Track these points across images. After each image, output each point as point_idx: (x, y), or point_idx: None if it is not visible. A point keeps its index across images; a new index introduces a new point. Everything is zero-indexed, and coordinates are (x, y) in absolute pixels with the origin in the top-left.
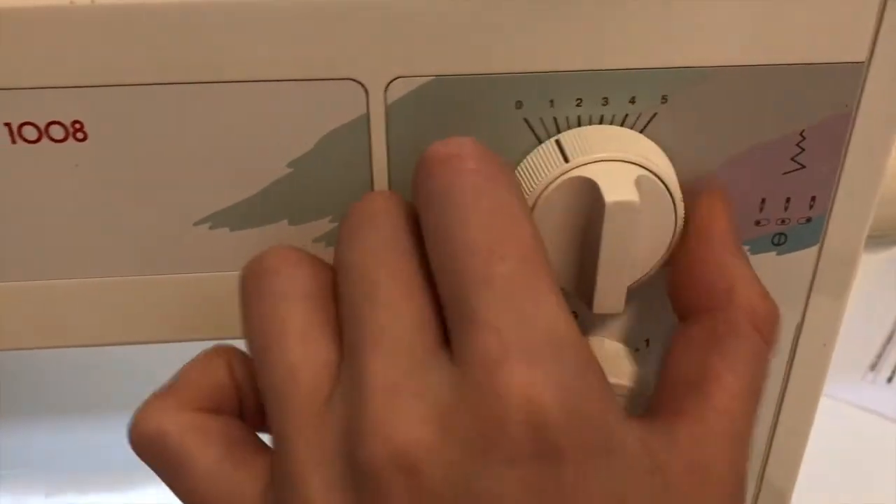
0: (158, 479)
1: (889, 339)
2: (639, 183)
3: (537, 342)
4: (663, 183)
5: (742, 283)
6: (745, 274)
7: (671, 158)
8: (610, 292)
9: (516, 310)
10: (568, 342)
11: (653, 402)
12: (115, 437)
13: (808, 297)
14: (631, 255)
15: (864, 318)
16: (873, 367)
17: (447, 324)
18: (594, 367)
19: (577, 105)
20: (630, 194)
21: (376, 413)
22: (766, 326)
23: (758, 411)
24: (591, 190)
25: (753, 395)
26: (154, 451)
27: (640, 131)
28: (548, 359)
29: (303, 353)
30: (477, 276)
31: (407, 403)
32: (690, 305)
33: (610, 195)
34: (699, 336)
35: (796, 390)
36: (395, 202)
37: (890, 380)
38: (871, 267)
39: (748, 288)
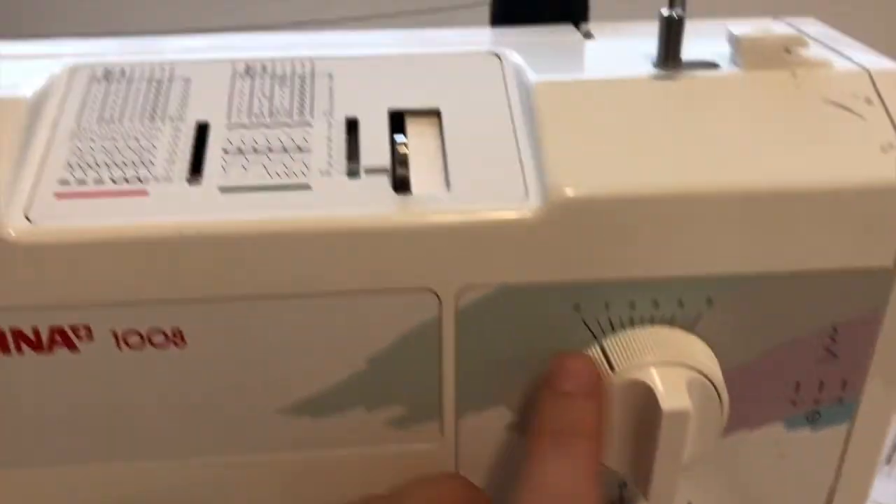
0: None
1: None
2: (690, 386)
3: None
4: (711, 382)
5: None
6: None
7: (715, 351)
8: (664, 487)
9: None
10: None
11: None
12: None
13: (840, 468)
14: (684, 454)
15: None
16: (889, 459)
17: None
18: None
19: (631, 308)
20: (683, 401)
21: None
22: None
23: None
24: (647, 393)
25: None
26: None
27: (688, 331)
28: None
29: None
30: None
31: None
32: None
33: (666, 403)
34: None
35: None
36: None
37: None
38: None
39: None
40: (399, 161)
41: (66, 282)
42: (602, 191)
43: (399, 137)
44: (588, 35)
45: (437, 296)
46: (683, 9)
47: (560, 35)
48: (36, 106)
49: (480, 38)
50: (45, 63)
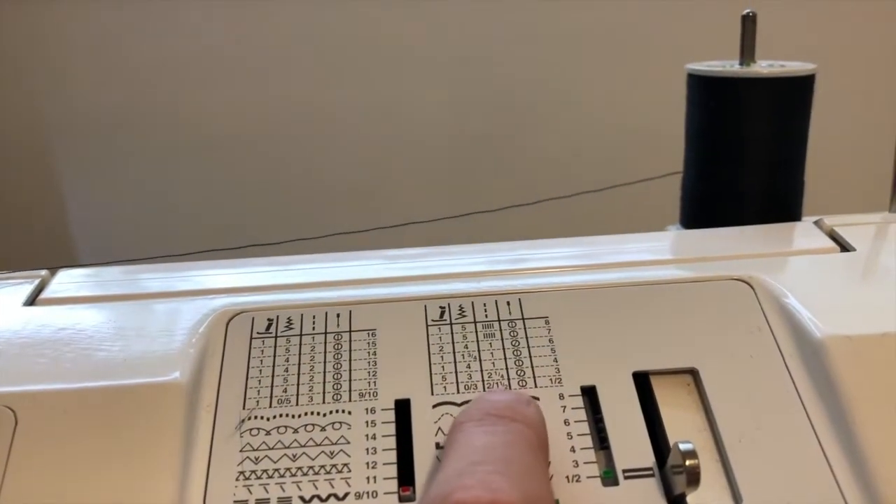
0: None
1: None
2: None
3: None
4: None
5: None
6: None
7: None
8: None
9: None
10: None
11: None
12: None
13: None
14: None
15: None
16: None
17: None
18: None
19: None
20: None
21: None
22: None
23: None
24: None
25: None
26: None
27: None
28: None
29: None
30: None
31: None
32: None
33: None
34: None
35: None
36: None
37: None
38: None
39: None
40: (689, 475)
41: None
42: None
43: (685, 445)
44: (836, 238)
45: None
46: None
47: (803, 238)
48: (192, 386)
49: (686, 246)
50: (191, 306)
